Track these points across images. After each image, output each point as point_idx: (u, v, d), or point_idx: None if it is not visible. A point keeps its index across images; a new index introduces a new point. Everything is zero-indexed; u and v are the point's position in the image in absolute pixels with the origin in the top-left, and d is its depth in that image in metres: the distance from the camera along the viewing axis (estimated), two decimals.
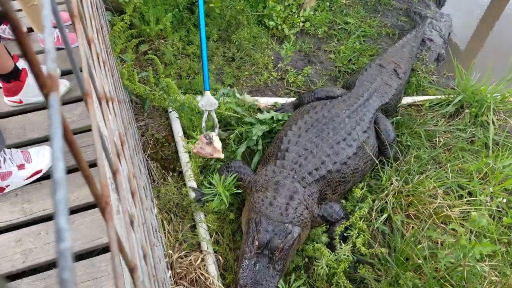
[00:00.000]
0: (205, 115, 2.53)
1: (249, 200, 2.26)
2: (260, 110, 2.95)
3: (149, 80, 2.73)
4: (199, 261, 2.22)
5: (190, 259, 2.23)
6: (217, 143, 2.47)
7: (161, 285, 1.32)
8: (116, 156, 0.77)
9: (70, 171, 2.12)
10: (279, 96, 3.15)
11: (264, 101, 3.03)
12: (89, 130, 2.24)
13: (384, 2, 4.37)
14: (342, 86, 3.18)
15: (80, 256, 1.86)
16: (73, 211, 2.01)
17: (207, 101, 2.52)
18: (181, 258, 2.23)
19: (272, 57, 3.46)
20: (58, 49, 2.56)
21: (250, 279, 1.93)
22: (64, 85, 2.38)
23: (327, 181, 2.41)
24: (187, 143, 2.64)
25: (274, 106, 3.05)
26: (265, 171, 2.38)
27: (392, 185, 2.53)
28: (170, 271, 2.04)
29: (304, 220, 2.16)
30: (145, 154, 2.71)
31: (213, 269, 2.21)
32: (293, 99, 3.10)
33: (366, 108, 2.75)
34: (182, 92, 2.77)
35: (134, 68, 3.02)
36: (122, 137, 1.14)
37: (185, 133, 2.80)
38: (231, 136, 2.72)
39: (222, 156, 2.48)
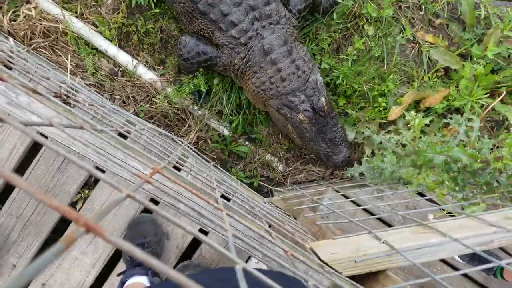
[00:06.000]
0: None
1: (249, 88, 1.81)
2: None
3: None
4: (34, 11, 1.87)
5: (24, 15, 1.87)
6: None
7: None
8: None
9: None
10: None
11: None
12: None
13: None
14: None
15: None
16: None
17: None
18: (14, 21, 1.86)
19: None
20: None
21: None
22: None
23: None
24: None
25: None
26: (227, 50, 1.76)
27: None
28: (11, 39, 1.75)
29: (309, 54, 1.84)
30: None
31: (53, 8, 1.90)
32: None
33: None
34: None
35: None
36: None
37: None
38: None
39: None
